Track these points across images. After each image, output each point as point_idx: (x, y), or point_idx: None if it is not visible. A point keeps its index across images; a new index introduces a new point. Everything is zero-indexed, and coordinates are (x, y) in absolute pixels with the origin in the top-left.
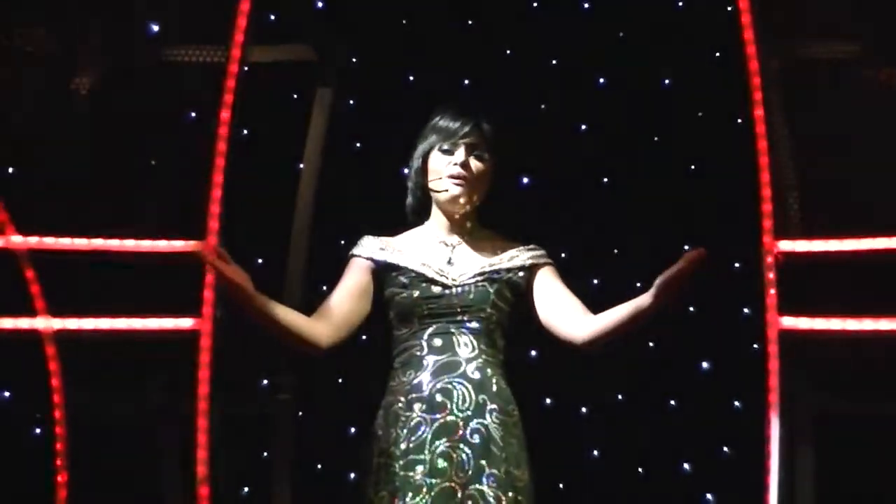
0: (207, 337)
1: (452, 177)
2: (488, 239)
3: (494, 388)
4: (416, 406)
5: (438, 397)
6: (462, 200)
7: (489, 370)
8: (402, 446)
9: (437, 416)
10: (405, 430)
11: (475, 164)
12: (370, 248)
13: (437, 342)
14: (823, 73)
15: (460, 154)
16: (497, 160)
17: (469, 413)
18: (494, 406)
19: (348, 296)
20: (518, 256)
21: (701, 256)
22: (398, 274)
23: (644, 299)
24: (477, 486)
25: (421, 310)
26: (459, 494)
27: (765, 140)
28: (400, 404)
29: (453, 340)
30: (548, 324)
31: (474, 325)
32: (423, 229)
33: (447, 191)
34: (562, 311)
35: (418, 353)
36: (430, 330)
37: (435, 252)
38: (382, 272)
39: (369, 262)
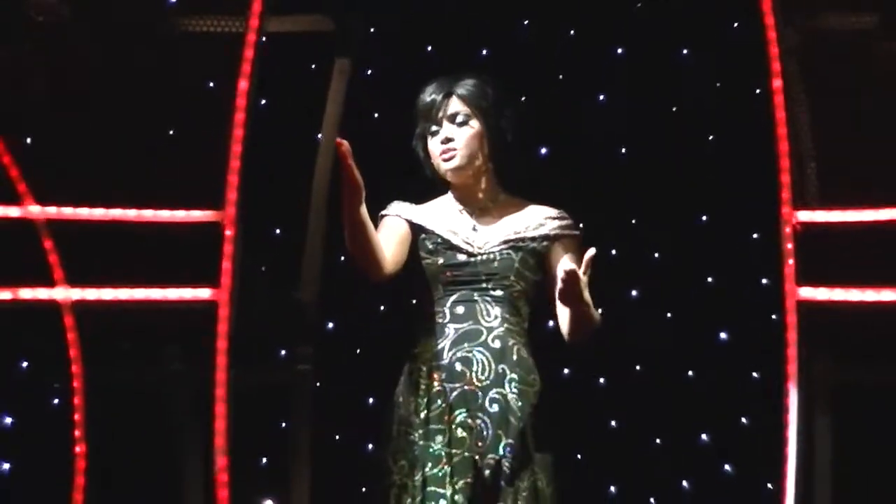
0: (225, 307)
1: (441, 155)
2: (512, 205)
3: (515, 357)
4: (436, 374)
5: (458, 366)
6: (460, 172)
7: (511, 339)
8: (422, 415)
9: (457, 385)
10: (425, 399)
11: (457, 131)
12: (400, 208)
13: (460, 310)
14: (842, 44)
15: (442, 130)
16: (488, 116)
17: (488, 382)
18: (514, 375)
19: (392, 241)
20: (544, 225)
21: (589, 260)
22: (426, 238)
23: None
24: (494, 455)
25: (445, 277)
26: (479, 463)
27: (783, 111)
28: (421, 372)
29: (476, 308)
30: (552, 308)
31: (498, 293)
32: (444, 199)
33: (445, 169)
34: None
35: (440, 321)
36: (453, 297)
37: (459, 219)
38: (414, 231)
39: (402, 218)
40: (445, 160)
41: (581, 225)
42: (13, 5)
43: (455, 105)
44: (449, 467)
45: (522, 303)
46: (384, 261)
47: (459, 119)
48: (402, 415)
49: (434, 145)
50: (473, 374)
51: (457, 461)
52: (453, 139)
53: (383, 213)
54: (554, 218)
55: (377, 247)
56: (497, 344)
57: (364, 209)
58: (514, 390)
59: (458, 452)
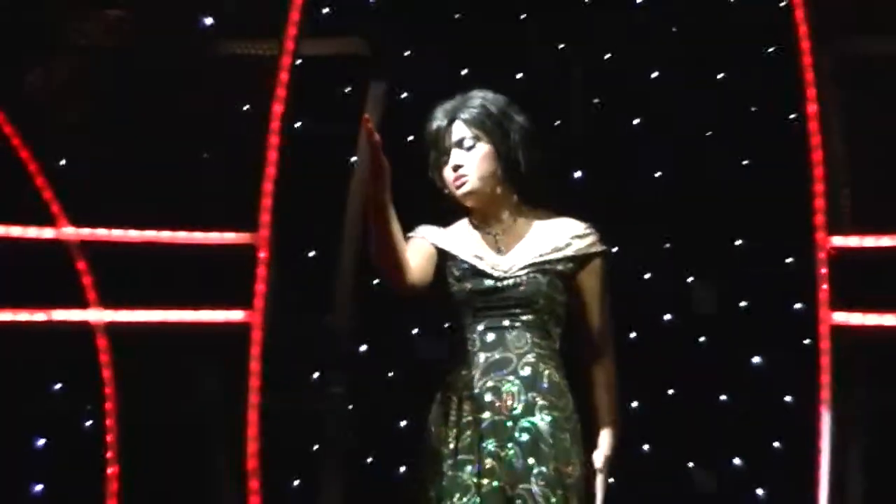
0: (258, 329)
1: (454, 182)
2: (536, 221)
3: (546, 383)
4: (467, 405)
5: (488, 396)
6: (476, 196)
7: (541, 365)
8: (451, 445)
9: (486, 415)
10: (455, 430)
11: (466, 156)
12: (427, 231)
13: (490, 337)
14: (877, 70)
15: (452, 157)
16: (494, 135)
17: (518, 412)
18: (545, 402)
19: (418, 256)
20: (570, 245)
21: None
22: (452, 264)
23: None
24: (525, 485)
25: (474, 303)
26: (508, 493)
27: (818, 136)
28: (451, 402)
29: (505, 335)
30: (575, 329)
31: (527, 317)
32: (466, 222)
33: (460, 195)
34: (581, 334)
35: (471, 349)
36: (482, 325)
37: (483, 243)
38: (440, 256)
39: (428, 241)
40: (458, 187)
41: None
42: (48, 28)
43: (460, 130)
44: (478, 497)
45: (553, 325)
46: (409, 269)
47: (467, 144)
48: (432, 445)
49: (447, 173)
50: (504, 404)
51: (486, 491)
52: (463, 165)
53: (409, 234)
54: (580, 236)
55: (402, 251)
56: (527, 371)
57: (389, 200)
58: (546, 417)
59: (487, 483)
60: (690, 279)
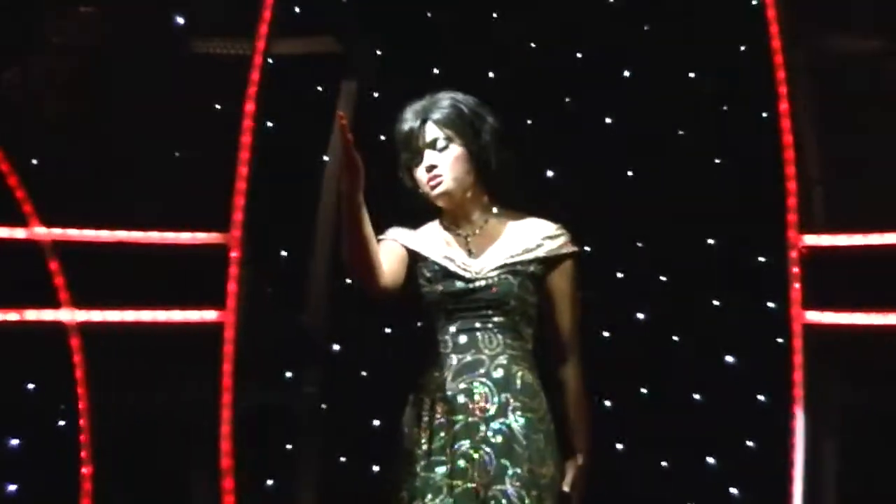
0: (231, 329)
1: (428, 183)
2: (508, 222)
3: (519, 383)
4: (439, 407)
5: (461, 398)
6: (450, 196)
7: (514, 366)
8: (425, 447)
9: (459, 417)
10: (428, 431)
11: (440, 157)
12: (397, 234)
13: (462, 339)
14: (849, 67)
15: (425, 158)
16: (467, 136)
17: (491, 413)
18: (518, 403)
19: (390, 258)
20: (541, 246)
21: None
22: (423, 266)
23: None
24: (499, 486)
25: (446, 305)
26: (482, 494)
27: (790, 134)
28: (424, 404)
29: (477, 337)
30: (546, 328)
31: (499, 319)
32: (437, 223)
33: (434, 196)
34: (549, 335)
35: (443, 351)
36: (454, 327)
37: (454, 245)
38: (411, 257)
39: (399, 243)
40: (433, 187)
41: (587, 248)
42: (24, 27)
43: (432, 131)
44: (450, 498)
45: (524, 326)
46: (381, 271)
47: (440, 145)
48: (405, 446)
49: (420, 174)
50: (476, 406)
51: (458, 492)
52: (437, 165)
53: (380, 237)
54: (551, 237)
55: (375, 253)
56: (500, 373)
57: (362, 199)
58: (519, 419)
59: (459, 483)
60: (662, 278)
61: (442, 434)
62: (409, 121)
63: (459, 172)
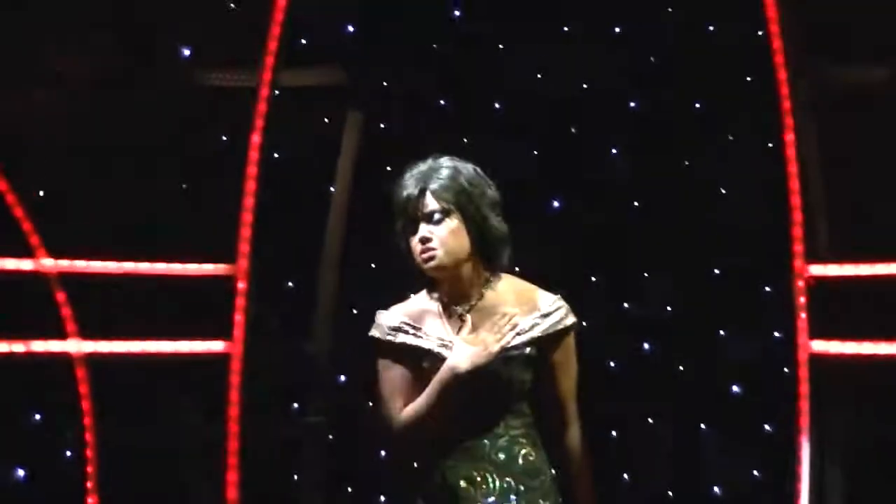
0: (238, 360)
1: (421, 255)
2: (504, 300)
3: (521, 463)
4: (441, 498)
5: (463, 483)
6: (443, 270)
7: (515, 447)
8: None
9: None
10: None
11: (435, 230)
12: (388, 330)
13: (462, 426)
14: (854, 98)
15: (420, 229)
16: (465, 207)
17: (493, 499)
18: (521, 486)
19: (409, 393)
20: (537, 325)
21: None
22: (419, 357)
23: None
24: None
25: None
26: None
27: (796, 164)
28: (427, 496)
29: (477, 422)
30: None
31: (497, 402)
32: (430, 295)
33: (426, 269)
34: (546, 405)
35: (444, 438)
36: (452, 412)
37: (448, 326)
38: (406, 352)
39: (393, 342)
40: (425, 261)
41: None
42: (31, 57)
43: (430, 202)
44: None
45: (524, 403)
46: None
47: (436, 217)
48: None
49: (414, 244)
50: (479, 492)
51: None
52: (431, 239)
53: (374, 335)
54: (546, 315)
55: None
56: (501, 456)
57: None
58: (522, 501)
59: None
60: (668, 308)
61: None
62: (407, 188)
63: (454, 247)
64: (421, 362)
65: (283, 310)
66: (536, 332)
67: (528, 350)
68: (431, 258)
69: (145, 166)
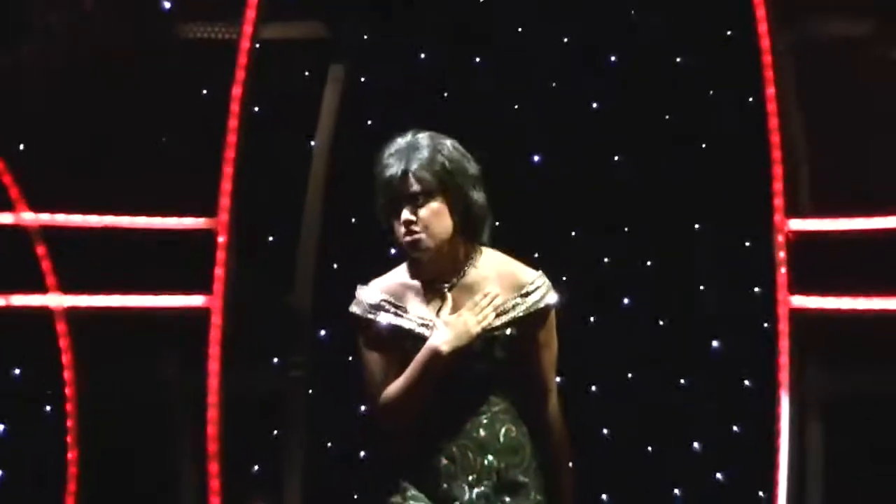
0: (218, 314)
1: (405, 237)
2: (486, 276)
3: (502, 439)
4: (423, 475)
5: (444, 461)
6: (425, 253)
7: (496, 423)
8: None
9: (443, 485)
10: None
11: (420, 212)
12: (369, 307)
13: (443, 403)
14: (836, 52)
15: (403, 211)
16: (447, 187)
17: (473, 477)
18: (503, 463)
19: (393, 374)
20: (518, 305)
21: None
22: (400, 337)
23: None
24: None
25: None
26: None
27: (776, 118)
28: (409, 473)
29: (458, 400)
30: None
31: (478, 380)
32: (414, 272)
33: (409, 250)
34: (524, 382)
35: (425, 416)
36: (434, 390)
37: (431, 304)
38: (387, 331)
39: (374, 321)
40: (409, 244)
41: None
42: (10, 10)
43: (412, 184)
44: None
45: (505, 380)
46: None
47: (420, 200)
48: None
49: (396, 227)
50: (458, 470)
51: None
52: (414, 221)
53: (354, 311)
54: (527, 294)
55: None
56: (482, 433)
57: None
58: (502, 479)
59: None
60: (648, 262)
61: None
62: (389, 167)
63: (437, 229)
64: (402, 342)
65: (264, 264)
66: (518, 312)
67: (508, 331)
68: (416, 241)
69: (125, 119)
